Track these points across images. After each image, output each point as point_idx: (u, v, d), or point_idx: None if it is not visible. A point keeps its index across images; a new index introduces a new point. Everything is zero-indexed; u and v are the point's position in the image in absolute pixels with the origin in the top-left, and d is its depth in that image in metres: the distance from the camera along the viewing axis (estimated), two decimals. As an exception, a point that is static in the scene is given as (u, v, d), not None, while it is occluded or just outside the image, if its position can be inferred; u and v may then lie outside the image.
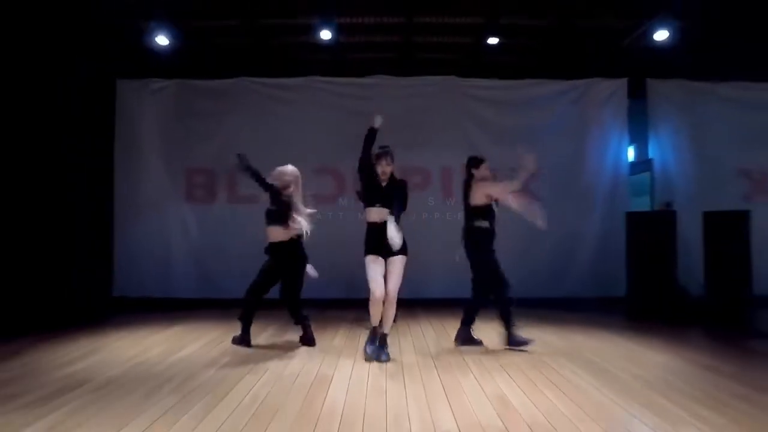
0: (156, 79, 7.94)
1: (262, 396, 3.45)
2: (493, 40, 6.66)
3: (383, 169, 4.40)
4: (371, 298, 4.32)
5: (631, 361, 4.36)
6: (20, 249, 6.62)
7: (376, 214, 4.37)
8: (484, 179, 4.89)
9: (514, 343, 4.76)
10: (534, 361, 4.35)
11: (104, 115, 7.80)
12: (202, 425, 2.94)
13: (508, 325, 4.80)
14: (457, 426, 2.95)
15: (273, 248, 4.93)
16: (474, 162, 4.98)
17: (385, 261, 4.38)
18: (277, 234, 4.85)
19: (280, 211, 4.76)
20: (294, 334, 5.27)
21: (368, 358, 4.37)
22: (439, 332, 5.60)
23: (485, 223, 4.83)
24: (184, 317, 6.51)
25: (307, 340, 4.96)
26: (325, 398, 3.41)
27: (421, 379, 3.84)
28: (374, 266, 4.34)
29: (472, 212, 4.87)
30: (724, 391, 3.54)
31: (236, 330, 5.58)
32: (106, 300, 7.56)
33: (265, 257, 5.02)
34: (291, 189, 4.84)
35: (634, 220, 6.84)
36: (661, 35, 6.36)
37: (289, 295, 5.02)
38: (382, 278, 4.33)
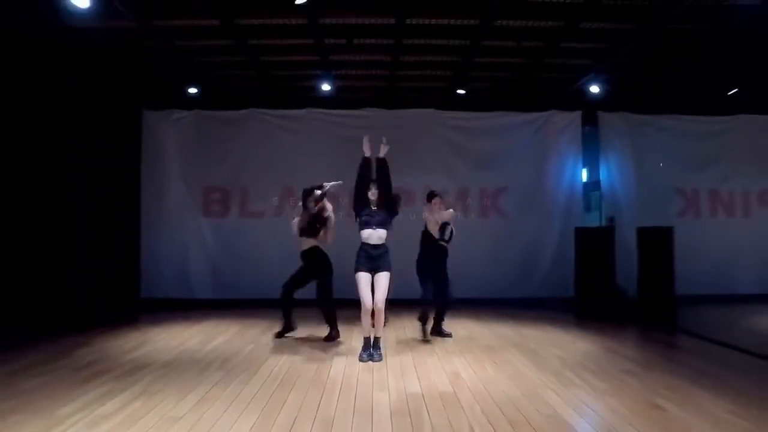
0: (177, 110, 9.21)
1: (284, 371, 4.77)
2: (460, 92, 8.02)
3: (372, 196, 5.29)
4: (362, 309, 5.10)
5: (560, 347, 5.73)
6: (47, 257, 7.84)
7: (369, 234, 5.21)
8: (434, 210, 6.29)
9: (441, 333, 6.21)
10: (486, 349, 5.70)
11: (132, 140, 9.08)
12: (245, 390, 4.25)
13: (441, 319, 6.26)
14: (421, 389, 4.27)
15: (306, 254, 6.04)
16: (429, 197, 6.45)
17: (372, 277, 5.19)
18: (309, 242, 6.00)
19: (314, 225, 5.92)
20: (302, 330, 6.62)
21: (363, 361, 5.09)
22: (417, 327, 6.90)
23: (443, 242, 6.19)
24: (207, 315, 7.76)
25: (330, 338, 6.03)
26: (330, 372, 4.74)
27: (399, 360, 5.17)
28: (362, 282, 5.15)
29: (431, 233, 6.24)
30: (617, 367, 4.92)
31: (252, 326, 6.93)
32: (136, 301, 8.86)
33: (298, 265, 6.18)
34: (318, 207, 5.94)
35: (581, 233, 8.21)
36: (594, 88, 7.79)
37: (322, 298, 6.03)
38: (370, 292, 5.12)
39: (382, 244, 5.30)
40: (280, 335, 6.20)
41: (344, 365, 5.00)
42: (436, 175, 9.23)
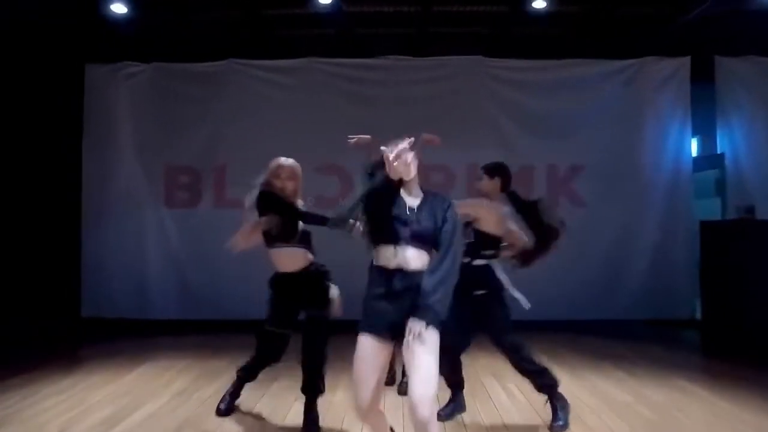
0: (131, 62, 6.80)
1: None
2: (538, 4, 5.30)
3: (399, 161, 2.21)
4: (356, 407, 2.32)
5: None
6: None
7: (391, 254, 2.31)
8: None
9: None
10: (599, 427, 3.10)
11: (70, 105, 6.66)
12: None
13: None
14: None
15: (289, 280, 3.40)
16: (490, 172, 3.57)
17: (395, 342, 2.30)
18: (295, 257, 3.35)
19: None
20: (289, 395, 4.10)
21: None
22: (467, 379, 4.29)
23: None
24: (159, 348, 5.50)
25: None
26: None
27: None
28: (368, 354, 2.25)
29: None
30: None
31: (214, 374, 4.50)
32: (74, 322, 6.49)
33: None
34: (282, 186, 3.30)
35: (710, 231, 5.53)
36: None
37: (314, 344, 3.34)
38: (376, 380, 2.26)
39: (418, 273, 2.28)
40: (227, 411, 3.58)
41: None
42: (486, 148, 6.48)
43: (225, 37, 6.78)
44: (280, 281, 3.40)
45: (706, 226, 5.61)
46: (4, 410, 3.61)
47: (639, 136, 6.71)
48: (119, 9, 5.31)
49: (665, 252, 6.54)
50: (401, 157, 2.10)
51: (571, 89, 6.72)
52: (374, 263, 2.35)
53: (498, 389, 4.14)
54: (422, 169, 2.55)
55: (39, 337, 5.93)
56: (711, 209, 6.64)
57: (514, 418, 3.55)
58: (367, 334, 2.25)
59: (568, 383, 4.22)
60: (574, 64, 6.75)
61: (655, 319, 6.52)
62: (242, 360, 3.65)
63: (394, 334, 2.24)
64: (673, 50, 6.68)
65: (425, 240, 2.29)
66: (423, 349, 2.15)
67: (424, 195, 2.39)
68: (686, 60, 6.68)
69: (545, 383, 3.33)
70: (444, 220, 2.31)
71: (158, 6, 5.84)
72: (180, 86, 6.77)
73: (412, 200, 2.36)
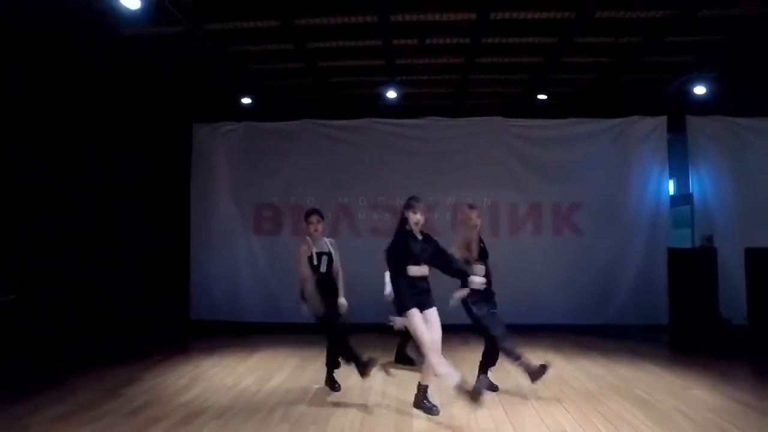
0: (227, 122, 8.77)
1: (357, 424, 4.07)
2: (542, 97, 7.18)
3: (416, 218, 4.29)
4: (428, 349, 4.15)
5: (675, 396, 4.79)
6: (96, 279, 7.55)
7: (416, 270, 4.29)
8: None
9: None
10: (587, 397, 4.82)
11: (182, 155, 8.69)
12: (316, 451, 3.57)
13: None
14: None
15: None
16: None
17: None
18: None
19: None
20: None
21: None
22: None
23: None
24: (259, 343, 7.19)
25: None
26: (413, 424, 4.01)
27: (489, 412, 4.37)
28: (419, 319, 4.24)
29: None
30: None
31: (311, 358, 6.20)
32: (186, 323, 8.41)
33: None
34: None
35: (676, 255, 7.23)
36: (699, 89, 6.75)
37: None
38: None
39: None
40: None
41: (426, 417, 4.25)
42: (504, 189, 8.50)
43: (302, 103, 8.71)
44: None
45: (673, 253, 7.31)
46: (191, 372, 5.54)
47: (626, 179, 8.39)
48: (246, 100, 7.30)
49: (647, 272, 8.12)
50: None
51: (572, 142, 8.49)
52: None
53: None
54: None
55: (160, 334, 7.85)
56: (684, 238, 8.34)
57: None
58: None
59: (561, 363, 6.02)
60: (574, 122, 8.51)
61: (640, 325, 8.05)
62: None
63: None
64: (654, 110, 8.37)
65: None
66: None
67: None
68: (663, 119, 8.39)
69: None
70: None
71: (263, 90, 7.81)
72: (265, 140, 8.69)
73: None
